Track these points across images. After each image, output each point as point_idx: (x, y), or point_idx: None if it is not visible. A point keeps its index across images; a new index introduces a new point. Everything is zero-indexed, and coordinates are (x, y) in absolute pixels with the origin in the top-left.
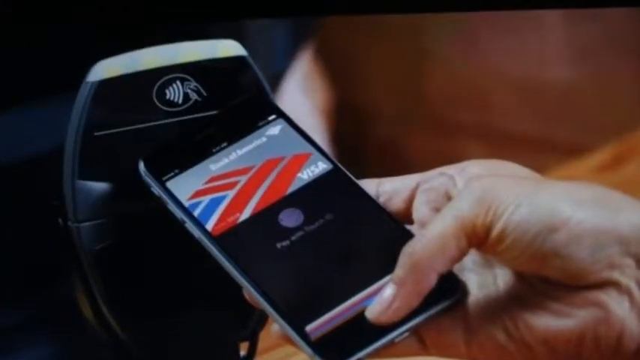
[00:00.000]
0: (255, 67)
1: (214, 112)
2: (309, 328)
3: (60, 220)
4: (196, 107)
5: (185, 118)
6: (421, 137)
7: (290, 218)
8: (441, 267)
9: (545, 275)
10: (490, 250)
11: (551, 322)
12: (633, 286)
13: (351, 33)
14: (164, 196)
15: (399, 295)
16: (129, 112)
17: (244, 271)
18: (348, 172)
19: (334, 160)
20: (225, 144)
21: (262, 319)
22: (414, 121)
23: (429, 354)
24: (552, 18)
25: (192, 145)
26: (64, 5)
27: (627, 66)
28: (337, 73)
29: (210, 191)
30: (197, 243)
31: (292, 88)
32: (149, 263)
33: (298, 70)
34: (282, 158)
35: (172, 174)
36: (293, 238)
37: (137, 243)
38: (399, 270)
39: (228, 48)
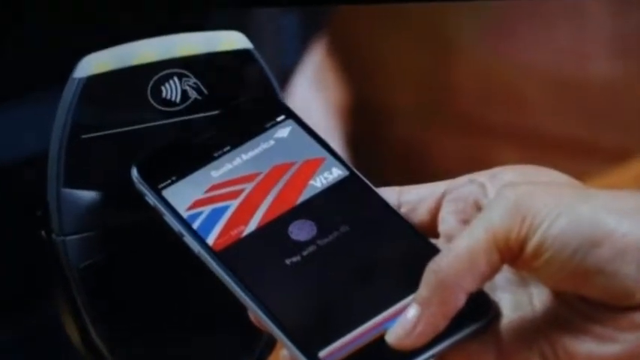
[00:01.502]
0: (262, 62)
1: (216, 112)
2: (322, 354)
3: (43, 233)
4: (196, 106)
5: (183, 118)
6: (447, 139)
7: (301, 231)
8: (470, 285)
9: (587, 294)
10: (525, 267)
11: (593, 347)
12: None
13: (369, 23)
14: (160, 207)
15: (423, 317)
16: (120, 111)
17: (250, 291)
18: (365, 179)
19: (350, 165)
20: (228, 148)
21: (270, 344)
22: (439, 121)
23: None
24: (594, 6)
25: (191, 149)
26: None
27: None
28: (353, 68)
29: (211, 201)
30: (197, 259)
31: (303, 84)
32: (143, 281)
33: (310, 65)
34: (292, 164)
35: (169, 181)
36: (304, 253)
37: (129, 259)
38: (424, 289)
39: (231, 40)
